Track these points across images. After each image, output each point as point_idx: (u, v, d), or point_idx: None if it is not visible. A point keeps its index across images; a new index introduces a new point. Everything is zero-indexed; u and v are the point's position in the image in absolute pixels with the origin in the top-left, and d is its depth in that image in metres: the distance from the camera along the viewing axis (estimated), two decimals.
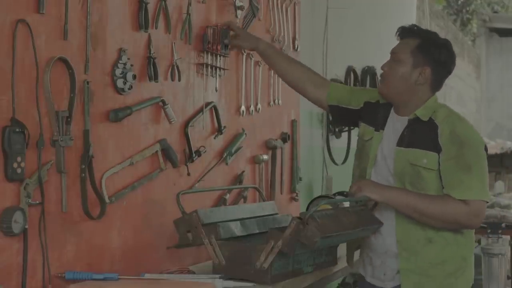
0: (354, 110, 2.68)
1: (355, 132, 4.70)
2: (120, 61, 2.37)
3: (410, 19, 7.21)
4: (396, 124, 2.51)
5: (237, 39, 2.87)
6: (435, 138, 2.39)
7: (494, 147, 12.30)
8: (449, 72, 2.52)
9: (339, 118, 2.85)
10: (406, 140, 2.45)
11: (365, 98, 2.66)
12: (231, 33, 2.90)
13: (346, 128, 4.67)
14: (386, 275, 2.52)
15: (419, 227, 2.43)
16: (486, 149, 2.44)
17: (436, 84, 2.50)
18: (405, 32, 2.52)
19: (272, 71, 3.46)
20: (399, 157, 2.44)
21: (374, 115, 2.59)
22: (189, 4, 2.76)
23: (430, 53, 2.45)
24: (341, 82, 4.62)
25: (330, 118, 2.92)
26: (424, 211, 2.37)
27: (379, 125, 2.55)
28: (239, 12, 3.12)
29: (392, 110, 2.55)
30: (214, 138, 2.99)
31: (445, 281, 2.45)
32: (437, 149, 2.39)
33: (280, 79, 3.49)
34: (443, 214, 2.36)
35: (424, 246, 2.44)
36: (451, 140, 2.38)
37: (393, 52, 2.51)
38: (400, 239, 2.46)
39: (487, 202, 2.42)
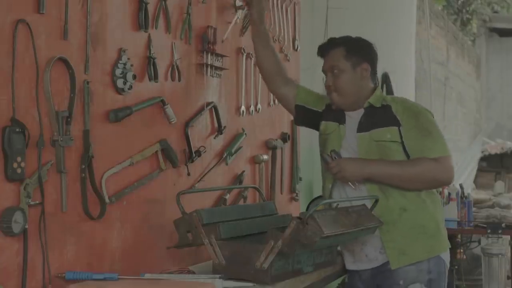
0: (318, 112, 2.90)
1: None
2: (120, 61, 2.37)
3: (410, 19, 7.23)
4: (352, 118, 2.73)
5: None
6: (392, 115, 2.66)
7: (494, 147, 12.32)
8: (376, 61, 2.80)
9: (303, 119, 3.00)
10: (365, 125, 2.69)
11: (326, 101, 2.87)
12: None
13: None
14: (368, 256, 2.68)
15: (391, 199, 2.62)
16: (433, 115, 2.76)
17: (373, 75, 2.78)
18: (326, 47, 2.79)
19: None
20: (362, 141, 2.66)
21: (334, 113, 2.80)
22: (189, 4, 2.76)
23: (360, 51, 2.74)
24: None
25: (292, 117, 3.07)
26: (405, 176, 2.61)
27: (341, 120, 2.75)
28: (239, 12, 3.13)
29: (345, 112, 2.77)
30: (214, 138, 2.99)
31: (427, 243, 2.65)
32: (396, 123, 2.64)
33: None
34: (421, 174, 2.61)
35: (400, 216, 2.63)
36: (406, 114, 2.66)
37: (329, 67, 2.73)
38: (378, 215, 2.56)
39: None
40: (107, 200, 2.30)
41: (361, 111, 2.72)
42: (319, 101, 2.91)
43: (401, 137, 2.62)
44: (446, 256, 2.73)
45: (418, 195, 2.66)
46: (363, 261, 2.69)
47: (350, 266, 2.75)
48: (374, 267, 2.67)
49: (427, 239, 2.66)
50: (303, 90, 2.98)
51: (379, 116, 2.68)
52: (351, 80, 2.70)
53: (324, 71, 2.78)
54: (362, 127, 2.69)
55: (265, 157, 3.42)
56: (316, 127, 2.89)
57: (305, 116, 2.95)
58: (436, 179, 2.64)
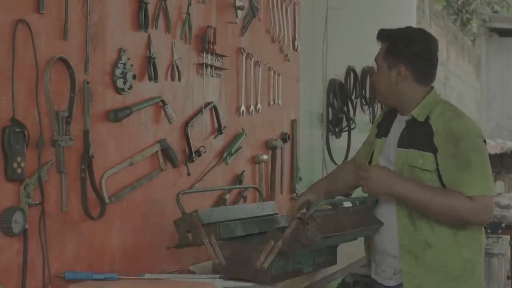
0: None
1: (355, 132, 4.70)
2: (120, 61, 2.37)
3: (410, 19, 7.22)
4: (399, 125, 2.51)
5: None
6: (431, 138, 2.36)
7: (494, 147, 12.31)
8: (429, 60, 2.47)
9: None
10: (405, 141, 2.44)
11: (373, 131, 2.66)
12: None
13: (346, 128, 4.68)
14: (385, 272, 2.52)
15: (417, 231, 2.40)
16: (484, 140, 2.39)
17: (421, 77, 2.45)
18: (379, 38, 2.53)
19: (272, 72, 3.48)
20: (399, 158, 2.43)
21: (385, 123, 2.60)
22: (189, 4, 2.76)
23: (398, 51, 2.43)
24: (340, 82, 4.64)
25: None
26: (428, 205, 2.31)
27: (382, 133, 2.56)
28: (239, 12, 3.12)
29: (398, 113, 2.55)
30: (214, 138, 2.99)
31: (447, 284, 2.40)
32: (433, 149, 2.35)
33: (280, 79, 3.52)
34: (450, 209, 2.30)
35: (424, 250, 2.40)
36: (446, 138, 2.34)
37: (375, 60, 2.52)
38: (403, 243, 2.43)
39: (494, 196, 2.39)
40: (107, 200, 2.30)
41: (404, 123, 2.48)
42: (369, 141, 2.69)
43: (437, 164, 2.34)
44: None
45: (451, 234, 2.39)
46: (380, 275, 2.55)
47: (372, 274, 2.61)
48: (389, 286, 2.52)
49: (449, 280, 2.40)
50: (360, 155, 2.75)
51: (419, 133, 2.41)
52: (385, 82, 2.46)
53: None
54: (403, 142, 2.45)
55: (265, 157, 3.42)
56: None
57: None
58: (463, 218, 2.32)
